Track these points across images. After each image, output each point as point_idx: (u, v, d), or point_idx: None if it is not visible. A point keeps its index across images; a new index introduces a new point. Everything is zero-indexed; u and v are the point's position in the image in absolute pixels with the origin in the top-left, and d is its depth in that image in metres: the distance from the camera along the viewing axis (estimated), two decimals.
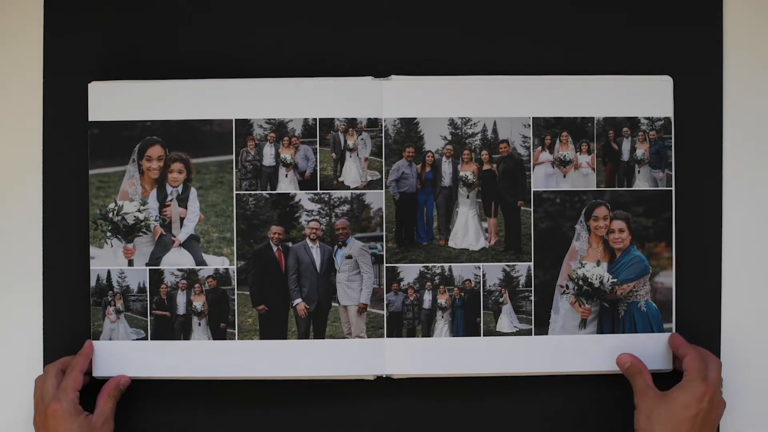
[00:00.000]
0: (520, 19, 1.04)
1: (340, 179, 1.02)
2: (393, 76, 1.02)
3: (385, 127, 1.02)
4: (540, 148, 1.03)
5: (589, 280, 1.02)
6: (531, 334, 1.02)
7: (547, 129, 1.02)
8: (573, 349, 1.02)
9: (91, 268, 1.01)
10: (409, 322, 1.02)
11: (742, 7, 1.05)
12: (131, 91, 1.01)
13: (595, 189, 1.03)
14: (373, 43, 1.04)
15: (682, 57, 1.04)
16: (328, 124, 1.02)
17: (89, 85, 1.01)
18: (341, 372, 1.01)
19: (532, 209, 1.03)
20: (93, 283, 1.01)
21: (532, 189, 1.03)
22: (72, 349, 1.01)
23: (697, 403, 0.95)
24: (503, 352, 1.02)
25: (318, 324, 1.02)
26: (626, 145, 1.03)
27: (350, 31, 1.04)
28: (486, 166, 1.03)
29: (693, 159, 1.04)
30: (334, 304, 1.02)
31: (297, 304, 1.02)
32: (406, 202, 1.02)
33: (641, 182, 1.03)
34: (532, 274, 1.02)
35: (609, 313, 1.03)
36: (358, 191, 1.02)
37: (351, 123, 1.02)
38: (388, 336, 1.01)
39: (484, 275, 1.02)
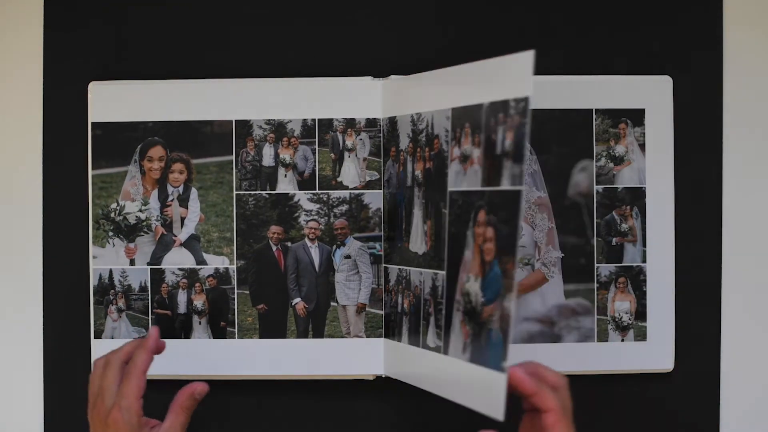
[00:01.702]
0: (520, 18, 1.04)
1: (339, 179, 1.02)
2: (393, 76, 1.02)
3: (383, 127, 1.02)
4: (454, 142, 0.91)
5: (470, 296, 0.86)
6: (440, 352, 0.90)
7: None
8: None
9: (93, 267, 1.02)
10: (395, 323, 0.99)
11: (742, 7, 1.04)
12: (131, 92, 1.02)
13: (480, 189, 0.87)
14: (373, 43, 1.04)
15: (682, 57, 1.04)
16: (326, 124, 1.02)
17: (89, 85, 1.02)
18: (340, 371, 1.01)
19: (447, 212, 0.91)
20: (95, 282, 1.02)
21: (448, 189, 0.91)
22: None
23: None
24: None
25: (317, 323, 1.02)
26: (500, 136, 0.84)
27: (350, 31, 1.04)
28: (427, 164, 0.95)
29: (693, 159, 1.03)
30: (332, 303, 1.02)
31: (296, 304, 1.02)
32: (391, 202, 1.01)
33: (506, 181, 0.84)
34: (445, 286, 0.90)
35: (478, 340, 0.84)
36: (356, 191, 1.02)
37: (350, 123, 1.02)
38: (386, 336, 1.02)
39: (422, 282, 0.95)
